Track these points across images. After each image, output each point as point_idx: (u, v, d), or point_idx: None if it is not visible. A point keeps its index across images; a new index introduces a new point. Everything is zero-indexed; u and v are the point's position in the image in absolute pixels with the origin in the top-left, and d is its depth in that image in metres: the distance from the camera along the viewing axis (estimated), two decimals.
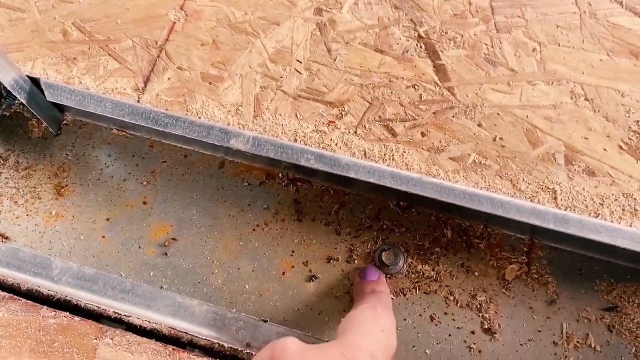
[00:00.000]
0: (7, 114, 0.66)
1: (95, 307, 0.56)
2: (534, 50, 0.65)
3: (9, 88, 0.56)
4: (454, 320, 0.56)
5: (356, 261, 0.59)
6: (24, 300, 0.56)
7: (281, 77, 0.65)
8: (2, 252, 0.52)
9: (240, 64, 0.66)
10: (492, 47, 0.65)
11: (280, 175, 0.63)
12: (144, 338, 0.55)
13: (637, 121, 0.61)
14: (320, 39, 0.67)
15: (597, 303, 0.56)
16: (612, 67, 0.64)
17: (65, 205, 0.62)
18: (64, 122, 0.65)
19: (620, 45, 0.65)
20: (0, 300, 0.55)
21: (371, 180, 0.53)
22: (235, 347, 0.53)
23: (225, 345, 0.53)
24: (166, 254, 0.60)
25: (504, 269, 0.57)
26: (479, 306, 0.56)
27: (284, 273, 0.59)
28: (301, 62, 0.66)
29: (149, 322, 0.54)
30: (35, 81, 0.60)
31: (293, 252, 0.59)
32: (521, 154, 0.60)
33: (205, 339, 0.54)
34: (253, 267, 0.59)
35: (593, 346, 0.54)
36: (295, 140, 0.60)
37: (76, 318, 0.55)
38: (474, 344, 0.55)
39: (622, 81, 0.63)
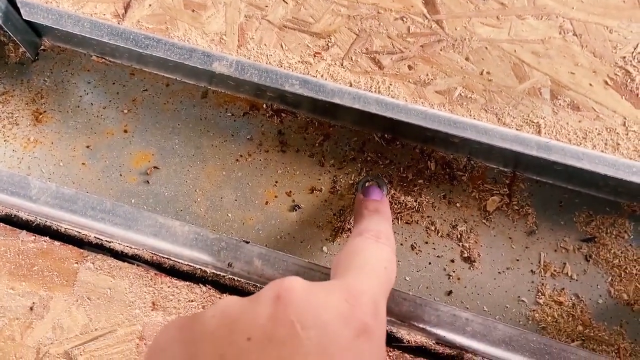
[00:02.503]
0: None
1: (76, 233, 0.56)
2: None
3: None
4: (434, 249, 0.56)
5: (339, 192, 0.59)
6: (2, 224, 0.55)
7: (266, 6, 0.64)
8: None
9: None
10: None
11: (264, 106, 0.62)
12: (126, 263, 0.55)
13: (624, 57, 0.61)
14: None
15: (575, 234, 0.56)
16: (602, 2, 0.63)
17: (43, 131, 0.60)
18: (42, 47, 0.63)
19: None
20: None
21: (356, 106, 0.53)
22: (218, 273, 0.53)
23: (208, 270, 0.53)
24: (148, 182, 0.59)
25: (486, 201, 0.58)
26: (459, 236, 0.57)
27: (267, 203, 0.58)
28: None
29: (131, 247, 0.54)
30: (11, 1, 0.57)
31: (276, 182, 0.59)
32: (507, 88, 0.60)
33: (188, 265, 0.54)
34: (236, 197, 0.59)
35: (570, 274, 0.55)
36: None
37: (56, 243, 0.55)
38: (454, 271, 0.55)
39: (611, 17, 0.62)
